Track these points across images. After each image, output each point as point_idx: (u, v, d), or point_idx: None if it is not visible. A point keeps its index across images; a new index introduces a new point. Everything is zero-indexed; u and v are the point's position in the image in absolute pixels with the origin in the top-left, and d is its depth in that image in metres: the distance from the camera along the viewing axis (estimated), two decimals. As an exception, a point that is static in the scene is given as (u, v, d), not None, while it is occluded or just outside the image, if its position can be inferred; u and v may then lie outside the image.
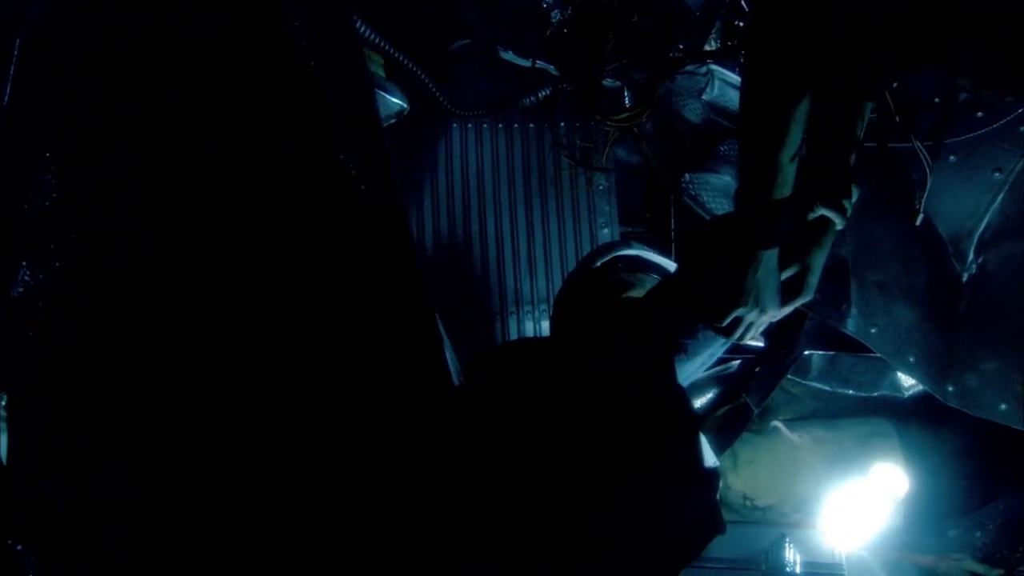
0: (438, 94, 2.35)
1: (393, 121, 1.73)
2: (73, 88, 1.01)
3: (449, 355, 1.23)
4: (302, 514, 0.93)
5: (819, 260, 1.81)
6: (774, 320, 1.78)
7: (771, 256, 1.64)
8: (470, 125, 2.71)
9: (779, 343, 2.67)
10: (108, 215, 1.00)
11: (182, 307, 0.98)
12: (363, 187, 1.10)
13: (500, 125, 2.74)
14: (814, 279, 1.81)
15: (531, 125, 2.76)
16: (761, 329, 1.78)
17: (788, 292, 1.78)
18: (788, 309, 1.80)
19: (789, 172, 1.54)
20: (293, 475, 0.95)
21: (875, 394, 2.60)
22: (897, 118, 2.27)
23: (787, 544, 1.38)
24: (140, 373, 0.96)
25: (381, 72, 1.69)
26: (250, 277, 1.01)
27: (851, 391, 2.62)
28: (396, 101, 1.67)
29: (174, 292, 0.99)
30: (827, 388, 2.64)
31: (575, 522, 0.94)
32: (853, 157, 1.79)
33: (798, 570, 1.36)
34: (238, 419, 0.97)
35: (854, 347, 2.52)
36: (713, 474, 1.05)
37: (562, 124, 2.74)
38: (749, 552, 1.37)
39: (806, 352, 2.65)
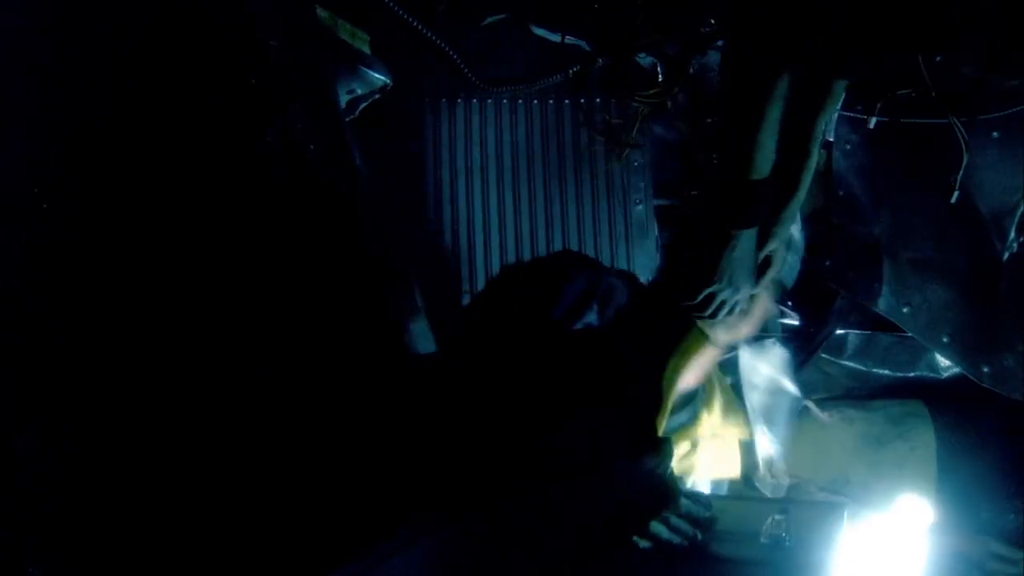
0: (466, 70, 2.43)
1: (377, 96, 1.80)
2: (30, 75, 1.12)
3: (419, 326, 1.32)
4: (238, 474, 1.02)
5: (787, 232, 1.86)
6: (750, 299, 1.82)
7: (748, 236, 1.68)
8: (504, 101, 2.77)
9: (809, 321, 2.69)
10: (65, 197, 1.08)
11: (140, 282, 1.07)
12: (320, 167, 1.20)
13: (535, 101, 2.79)
14: (783, 249, 1.86)
15: (566, 101, 2.81)
16: (738, 309, 1.83)
17: (759, 269, 1.83)
18: (761, 286, 1.85)
19: (768, 152, 1.57)
20: (235, 437, 1.04)
21: (911, 374, 2.61)
22: (933, 93, 2.28)
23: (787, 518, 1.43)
24: (99, 342, 1.04)
25: (367, 49, 1.77)
26: (204, 254, 1.10)
27: (886, 371, 2.64)
28: (380, 77, 1.74)
29: (131, 269, 1.08)
30: (862, 367, 2.66)
31: (520, 483, 1.00)
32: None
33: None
34: (189, 388, 1.04)
35: (891, 326, 2.53)
36: (664, 444, 1.10)
37: (597, 100, 2.79)
38: (755, 526, 1.43)
39: (842, 331, 2.67)
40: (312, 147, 1.29)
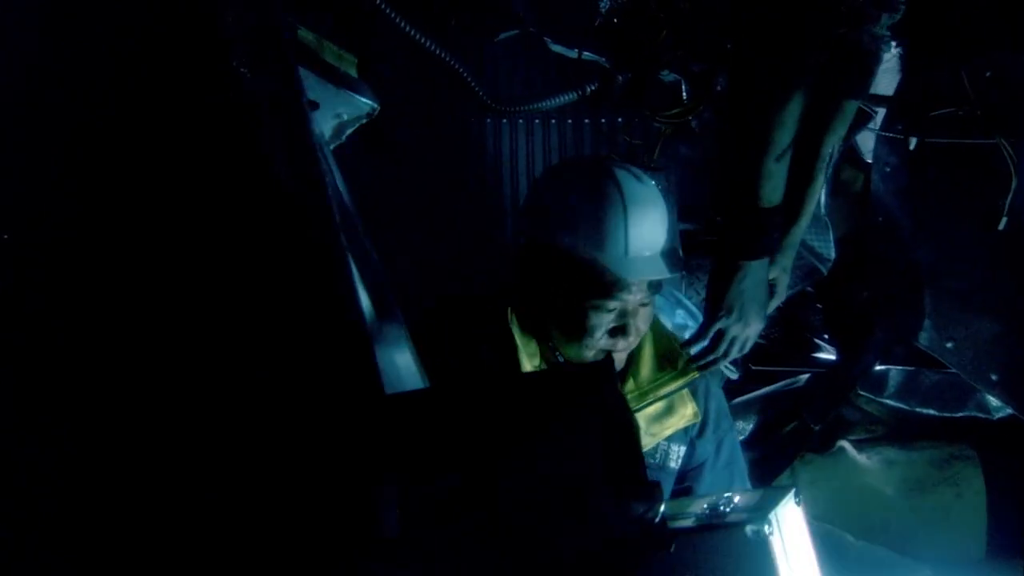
0: (477, 89, 2.39)
1: (364, 121, 1.76)
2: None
3: (406, 355, 1.28)
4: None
5: (789, 260, 1.79)
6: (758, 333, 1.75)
7: (758, 267, 1.63)
8: (520, 120, 2.75)
9: (846, 356, 2.61)
10: (30, 202, 1.11)
11: (137, 283, 1.10)
12: (290, 187, 1.18)
13: (553, 121, 2.77)
14: (786, 278, 1.79)
15: (585, 121, 2.78)
16: (748, 345, 1.76)
17: None
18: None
19: (779, 178, 1.52)
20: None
21: (958, 415, 2.49)
22: (979, 111, 2.20)
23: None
24: (98, 342, 1.07)
25: (354, 72, 1.73)
26: (160, 269, 1.10)
27: (932, 411, 2.53)
28: (367, 102, 1.70)
29: (128, 270, 1.10)
30: (904, 407, 2.55)
31: (498, 517, 0.98)
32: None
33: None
34: (187, 390, 1.07)
35: (936, 362, 2.42)
36: (654, 489, 1.05)
37: (618, 120, 2.75)
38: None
39: (882, 367, 2.58)
40: (284, 177, 1.27)
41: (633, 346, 1.81)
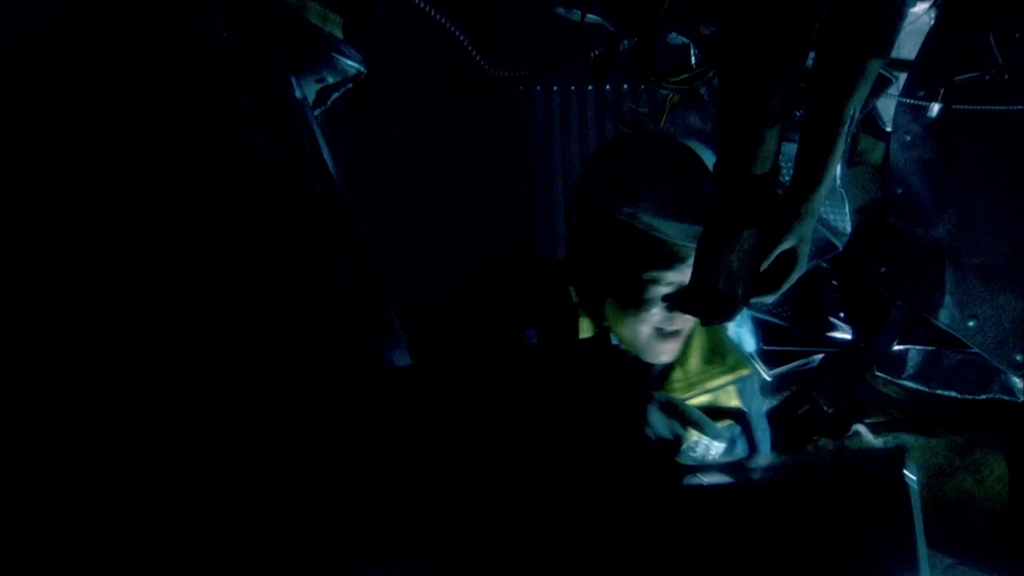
0: (476, 55, 2.33)
1: (351, 86, 1.73)
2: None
3: (394, 337, 1.25)
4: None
5: (809, 228, 1.74)
6: (765, 304, 1.72)
7: (747, 237, 1.57)
8: (520, 87, 2.70)
9: (863, 335, 2.55)
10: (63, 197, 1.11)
11: (136, 283, 1.11)
12: (274, 168, 1.17)
13: (555, 87, 2.72)
14: (806, 247, 1.73)
15: (589, 87, 2.73)
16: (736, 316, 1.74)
17: (779, 271, 1.71)
18: (782, 290, 1.74)
19: (771, 144, 1.46)
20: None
21: (981, 397, 2.44)
22: (1007, 75, 2.15)
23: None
24: (98, 342, 1.09)
25: (339, 33, 1.69)
26: (147, 256, 1.10)
27: (954, 393, 2.47)
28: (353, 64, 1.67)
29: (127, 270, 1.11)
30: (924, 389, 2.50)
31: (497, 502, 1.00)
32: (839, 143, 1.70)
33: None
34: (183, 390, 1.09)
35: (958, 342, 2.40)
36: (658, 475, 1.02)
37: (624, 86, 2.69)
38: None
39: (901, 347, 2.53)
40: (264, 147, 1.25)
41: (686, 327, 1.84)
